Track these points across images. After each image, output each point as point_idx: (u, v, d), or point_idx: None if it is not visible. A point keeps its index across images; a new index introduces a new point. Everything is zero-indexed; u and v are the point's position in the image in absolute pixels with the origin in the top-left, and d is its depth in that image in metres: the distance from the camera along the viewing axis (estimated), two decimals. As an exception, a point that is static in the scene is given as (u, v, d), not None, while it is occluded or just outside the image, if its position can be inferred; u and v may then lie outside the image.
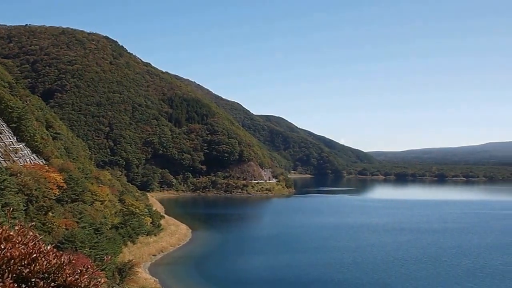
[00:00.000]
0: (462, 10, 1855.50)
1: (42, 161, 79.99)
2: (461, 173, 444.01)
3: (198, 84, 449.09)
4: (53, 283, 5.46)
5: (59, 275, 5.54)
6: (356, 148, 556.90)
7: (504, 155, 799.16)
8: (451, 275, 66.99)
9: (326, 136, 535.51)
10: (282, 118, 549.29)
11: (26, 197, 58.95)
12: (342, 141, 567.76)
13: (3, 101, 79.73)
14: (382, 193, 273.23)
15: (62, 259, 5.67)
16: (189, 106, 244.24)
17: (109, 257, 55.05)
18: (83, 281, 5.57)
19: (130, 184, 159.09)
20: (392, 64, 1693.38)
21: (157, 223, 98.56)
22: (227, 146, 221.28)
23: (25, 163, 71.42)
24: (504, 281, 62.95)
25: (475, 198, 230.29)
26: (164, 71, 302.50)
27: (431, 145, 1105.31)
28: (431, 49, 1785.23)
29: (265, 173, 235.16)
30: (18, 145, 76.63)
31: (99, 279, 5.86)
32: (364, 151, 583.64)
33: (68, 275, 5.56)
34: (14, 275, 5.28)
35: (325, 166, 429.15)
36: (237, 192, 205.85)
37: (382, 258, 78.05)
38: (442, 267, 71.96)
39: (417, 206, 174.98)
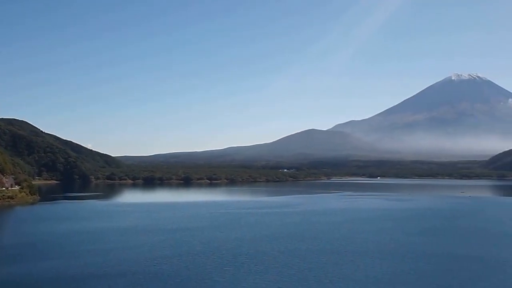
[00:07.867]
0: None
1: None
2: (206, 175, 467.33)
3: None
4: None
5: None
6: (104, 152, 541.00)
7: (243, 158, 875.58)
8: (202, 270, 68.83)
9: (73, 141, 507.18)
10: (26, 122, 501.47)
11: None
12: (89, 146, 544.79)
13: None
14: (131, 197, 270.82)
15: None
16: None
17: None
18: None
19: None
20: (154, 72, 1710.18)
21: None
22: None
23: None
24: (250, 274, 66.83)
25: (218, 199, 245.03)
26: None
27: (178, 149, 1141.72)
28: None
29: (7, 180, 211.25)
30: None
31: None
32: (113, 155, 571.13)
33: None
34: None
35: (73, 172, 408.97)
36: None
37: (134, 259, 76.16)
38: (194, 263, 73.61)
39: (165, 208, 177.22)
